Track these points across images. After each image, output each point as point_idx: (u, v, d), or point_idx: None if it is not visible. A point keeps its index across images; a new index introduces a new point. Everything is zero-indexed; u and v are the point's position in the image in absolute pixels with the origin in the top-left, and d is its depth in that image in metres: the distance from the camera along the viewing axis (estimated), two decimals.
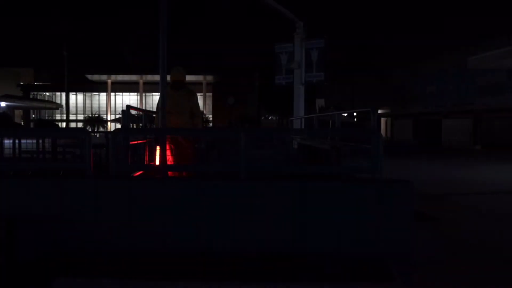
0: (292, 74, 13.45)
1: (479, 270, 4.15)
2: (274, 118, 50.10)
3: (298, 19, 12.81)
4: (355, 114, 36.95)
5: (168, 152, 5.15)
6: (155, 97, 53.58)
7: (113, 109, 54.53)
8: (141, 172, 4.33)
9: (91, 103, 56.32)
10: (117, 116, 48.17)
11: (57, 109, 51.25)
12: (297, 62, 12.99)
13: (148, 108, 45.08)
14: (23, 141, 8.01)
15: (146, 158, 5.31)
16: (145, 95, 55.35)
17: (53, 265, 2.91)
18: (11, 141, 7.50)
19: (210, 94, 53.57)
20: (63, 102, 46.03)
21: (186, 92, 5.95)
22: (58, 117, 53.70)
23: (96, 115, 52.04)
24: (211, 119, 52.09)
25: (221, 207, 3.10)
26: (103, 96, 55.74)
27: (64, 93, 34.97)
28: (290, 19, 12.84)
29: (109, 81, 54.20)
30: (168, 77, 5.58)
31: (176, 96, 5.72)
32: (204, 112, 51.45)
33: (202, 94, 54.66)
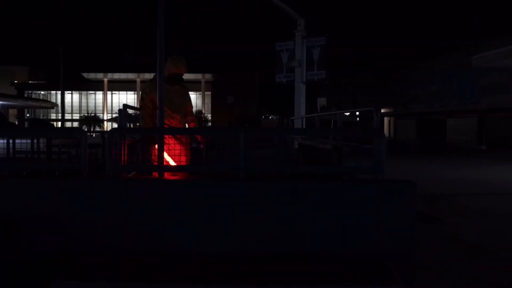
0: (293, 72, 13.47)
1: (482, 272, 4.16)
2: (275, 117, 50.11)
3: (299, 16, 12.82)
4: (357, 113, 36.99)
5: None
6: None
7: (109, 108, 54.58)
8: (134, 172, 4.34)
9: (87, 102, 56.39)
10: (114, 115, 48.18)
11: (52, 108, 51.32)
12: (298, 60, 13.00)
13: None
14: (17, 141, 8.01)
15: (140, 158, 5.27)
16: None
17: (50, 266, 2.92)
18: (5, 141, 7.50)
19: (209, 93, 53.62)
20: (58, 101, 46.03)
21: (182, 87, 5.55)
22: (53, 116, 53.75)
23: (92, 115, 52.08)
24: (210, 118, 52.08)
25: (220, 208, 3.10)
26: (99, 95, 55.79)
27: (59, 92, 34.99)
28: (291, 17, 12.86)
29: (106, 79, 54.24)
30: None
31: (172, 92, 5.17)
32: (203, 111, 51.46)
33: (200, 93, 54.75)
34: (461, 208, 7.57)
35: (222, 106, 46.90)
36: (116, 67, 52.69)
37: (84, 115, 52.36)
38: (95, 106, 55.65)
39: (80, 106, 56.27)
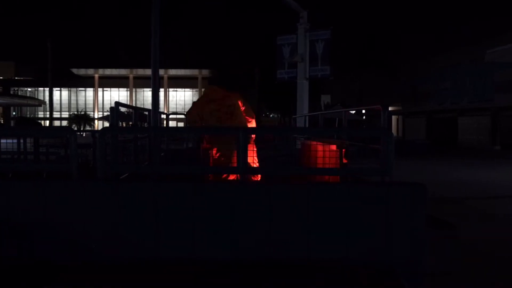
0: (295, 68, 13.44)
1: (494, 281, 4.16)
2: (276, 116, 50.10)
3: (302, 8, 12.79)
4: (363, 111, 36.95)
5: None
6: (147, 93, 53.70)
7: (100, 106, 54.60)
8: (127, 174, 4.34)
9: (77, 100, 56.42)
10: (105, 113, 48.18)
11: (40, 106, 51.25)
12: (301, 55, 12.98)
13: (139, 105, 45.12)
14: (2, 140, 8.01)
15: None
16: (136, 91, 55.38)
17: (39, 272, 2.92)
18: None
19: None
20: (46, 99, 45.96)
21: None
22: (41, 114, 53.72)
23: (82, 113, 52.10)
24: None
25: (218, 212, 3.10)
26: (89, 92, 55.82)
27: (48, 88, 34.97)
28: (293, 9, 12.84)
29: (97, 75, 54.26)
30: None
31: None
32: None
33: (197, 90, 54.75)
34: (474, 213, 7.56)
35: None
36: (108, 62, 52.68)
37: (74, 114, 52.36)
38: (85, 104, 55.65)
39: (69, 103, 56.28)
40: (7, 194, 3.17)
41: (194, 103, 5.83)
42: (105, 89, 55.68)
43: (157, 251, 3.10)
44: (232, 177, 4.62)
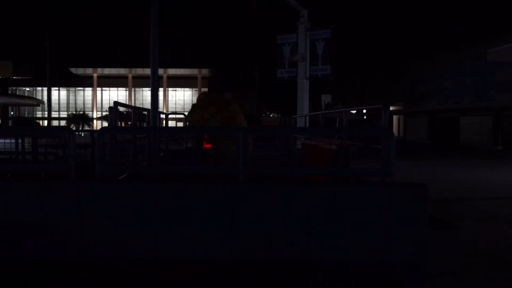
0: (296, 67, 13.46)
1: (497, 283, 4.16)
2: (276, 115, 50.12)
3: (303, 7, 12.81)
4: (364, 111, 36.97)
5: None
6: (146, 93, 53.70)
7: (99, 105, 54.60)
8: (126, 174, 4.34)
9: (75, 99, 56.41)
10: (104, 113, 48.17)
11: (38, 105, 51.25)
12: (301, 54, 13.00)
13: (138, 105, 45.13)
14: (1, 140, 8.02)
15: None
16: (135, 91, 55.37)
17: (36, 275, 2.93)
18: None
19: (206, 89, 53.61)
20: (45, 98, 45.99)
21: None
22: (39, 114, 53.74)
23: (81, 113, 52.07)
24: None
25: (219, 212, 3.11)
26: (88, 91, 55.81)
27: (46, 88, 34.98)
28: (293, 8, 12.85)
29: (95, 75, 54.27)
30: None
31: None
32: None
33: (197, 89, 54.76)
34: (475, 213, 7.56)
35: None
36: (107, 62, 52.65)
37: (72, 113, 52.34)
38: (84, 104, 55.64)
39: (68, 103, 56.27)
40: (6, 194, 3.18)
41: (194, 106, 5.85)
42: (103, 88, 55.69)
43: (157, 251, 3.10)
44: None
